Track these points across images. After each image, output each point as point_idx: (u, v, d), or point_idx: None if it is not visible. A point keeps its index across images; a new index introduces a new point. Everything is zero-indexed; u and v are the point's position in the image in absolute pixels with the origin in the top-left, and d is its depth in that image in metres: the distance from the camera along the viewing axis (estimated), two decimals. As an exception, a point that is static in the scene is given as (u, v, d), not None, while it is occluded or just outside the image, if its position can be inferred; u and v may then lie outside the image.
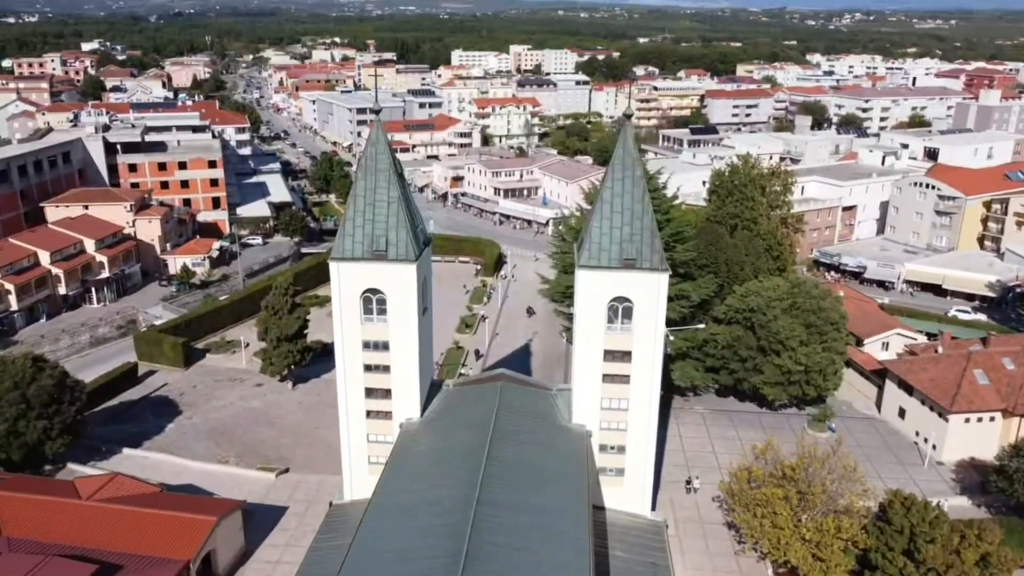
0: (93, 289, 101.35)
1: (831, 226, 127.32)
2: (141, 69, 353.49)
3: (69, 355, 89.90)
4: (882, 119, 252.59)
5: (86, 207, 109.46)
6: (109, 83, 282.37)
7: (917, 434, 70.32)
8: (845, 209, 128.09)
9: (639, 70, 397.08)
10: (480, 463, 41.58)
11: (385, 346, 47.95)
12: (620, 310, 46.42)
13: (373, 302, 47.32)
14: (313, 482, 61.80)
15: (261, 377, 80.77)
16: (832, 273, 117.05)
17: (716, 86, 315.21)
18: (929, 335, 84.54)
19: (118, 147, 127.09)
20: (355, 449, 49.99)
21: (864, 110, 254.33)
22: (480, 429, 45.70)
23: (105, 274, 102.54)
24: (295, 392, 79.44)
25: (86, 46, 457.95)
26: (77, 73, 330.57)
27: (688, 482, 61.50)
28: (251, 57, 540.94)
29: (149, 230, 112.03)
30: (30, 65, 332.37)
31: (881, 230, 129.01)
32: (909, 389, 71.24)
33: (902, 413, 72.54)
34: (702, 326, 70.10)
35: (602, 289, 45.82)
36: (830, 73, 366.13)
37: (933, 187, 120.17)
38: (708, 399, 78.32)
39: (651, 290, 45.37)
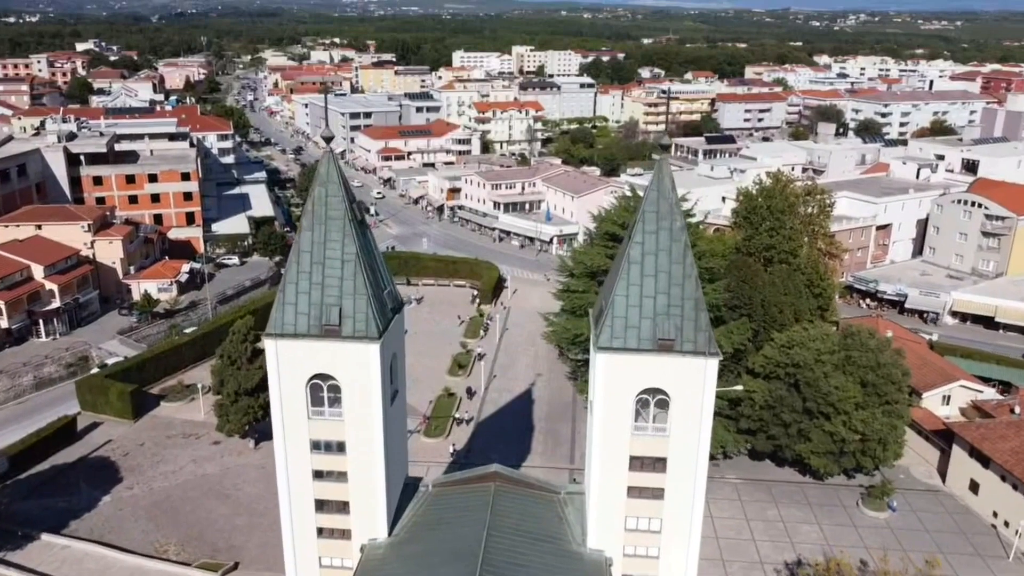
0: (41, 321, 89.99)
1: (864, 247, 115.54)
2: (134, 71, 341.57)
3: (6, 401, 78.70)
4: (902, 124, 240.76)
5: (39, 227, 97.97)
6: (97, 85, 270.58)
7: (995, 515, 58.84)
8: (878, 228, 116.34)
9: (644, 72, 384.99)
10: (463, 625, 30.25)
11: (340, 447, 36.26)
12: (652, 404, 34.87)
13: (324, 390, 35.65)
14: (265, 586, 50.65)
15: (220, 433, 69.40)
16: (868, 301, 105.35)
17: (726, 89, 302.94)
18: (1003, 385, 72.89)
19: (82, 158, 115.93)
20: (303, 576, 38.36)
21: (883, 115, 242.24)
22: (465, 560, 34.32)
23: (56, 303, 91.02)
24: (257, 453, 68.05)
25: (81, 46, 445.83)
26: (64, 75, 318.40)
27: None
28: (249, 58, 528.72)
29: (110, 252, 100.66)
30: (15, 66, 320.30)
31: (919, 251, 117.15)
32: (984, 460, 59.78)
33: (975, 487, 61.04)
34: (740, 388, 58.59)
35: (628, 378, 34.14)
36: (843, 76, 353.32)
37: (979, 205, 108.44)
38: (741, 463, 67.02)
39: (695, 380, 33.72)
